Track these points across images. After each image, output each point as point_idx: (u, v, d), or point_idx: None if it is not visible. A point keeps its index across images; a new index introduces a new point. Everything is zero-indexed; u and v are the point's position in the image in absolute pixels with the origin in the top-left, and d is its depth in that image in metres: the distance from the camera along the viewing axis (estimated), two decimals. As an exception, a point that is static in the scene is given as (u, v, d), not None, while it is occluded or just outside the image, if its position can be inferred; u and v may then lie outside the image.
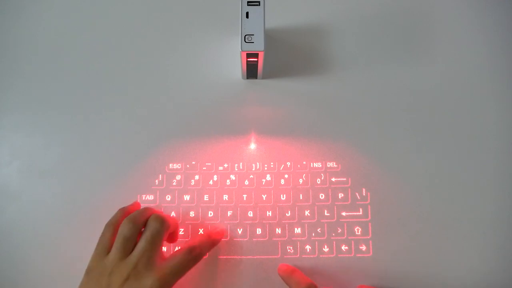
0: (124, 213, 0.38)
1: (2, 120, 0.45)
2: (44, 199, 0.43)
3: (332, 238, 0.42)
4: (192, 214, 0.42)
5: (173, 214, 0.42)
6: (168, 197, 0.42)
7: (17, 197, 0.43)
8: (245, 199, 0.42)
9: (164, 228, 0.35)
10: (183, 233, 0.42)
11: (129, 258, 0.34)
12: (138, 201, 0.42)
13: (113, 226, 0.36)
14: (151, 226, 0.35)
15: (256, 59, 0.39)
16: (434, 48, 0.46)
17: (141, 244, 0.34)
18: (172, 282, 0.34)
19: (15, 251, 0.42)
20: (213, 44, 0.46)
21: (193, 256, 0.36)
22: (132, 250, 0.35)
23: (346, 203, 0.42)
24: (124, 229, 0.35)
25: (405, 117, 0.44)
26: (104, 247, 0.35)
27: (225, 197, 0.42)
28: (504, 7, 0.47)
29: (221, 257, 0.41)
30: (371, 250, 0.41)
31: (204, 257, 0.40)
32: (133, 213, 0.37)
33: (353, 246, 0.41)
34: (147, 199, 0.42)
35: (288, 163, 0.43)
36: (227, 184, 0.43)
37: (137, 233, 0.35)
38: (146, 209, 0.38)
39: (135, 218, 0.36)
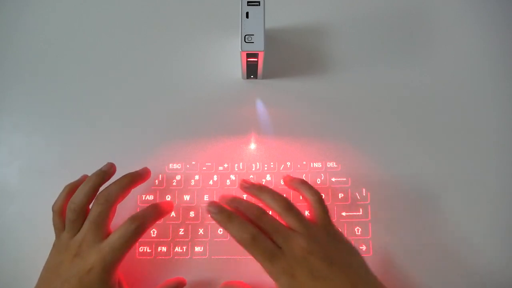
0: (69, 190, 0.38)
1: (2, 120, 0.45)
2: (44, 199, 0.43)
3: (332, 238, 0.41)
4: (192, 214, 0.42)
5: (173, 214, 0.42)
6: (168, 197, 0.42)
7: (17, 197, 0.43)
8: (245, 199, 0.42)
9: (108, 208, 0.36)
10: (183, 233, 0.42)
11: (76, 237, 0.36)
12: (138, 201, 0.42)
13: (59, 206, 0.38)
14: (93, 208, 0.36)
15: (256, 59, 0.39)
16: (434, 48, 0.46)
17: (85, 225, 0.36)
18: (115, 257, 0.34)
19: (15, 251, 0.42)
20: (213, 44, 0.46)
21: (135, 226, 0.35)
22: (81, 227, 0.36)
23: (346, 203, 0.42)
24: (68, 214, 0.37)
25: (405, 117, 0.44)
26: (57, 227, 0.38)
27: (225, 197, 0.42)
28: (504, 7, 0.47)
29: (221, 257, 0.41)
30: (371, 250, 0.41)
31: (149, 229, 0.39)
32: (76, 194, 0.37)
33: (353, 246, 0.41)
34: (147, 199, 0.42)
35: (288, 163, 0.43)
36: (227, 184, 0.43)
37: (82, 214, 0.37)
38: (87, 186, 0.37)
39: (77, 202, 0.37)
